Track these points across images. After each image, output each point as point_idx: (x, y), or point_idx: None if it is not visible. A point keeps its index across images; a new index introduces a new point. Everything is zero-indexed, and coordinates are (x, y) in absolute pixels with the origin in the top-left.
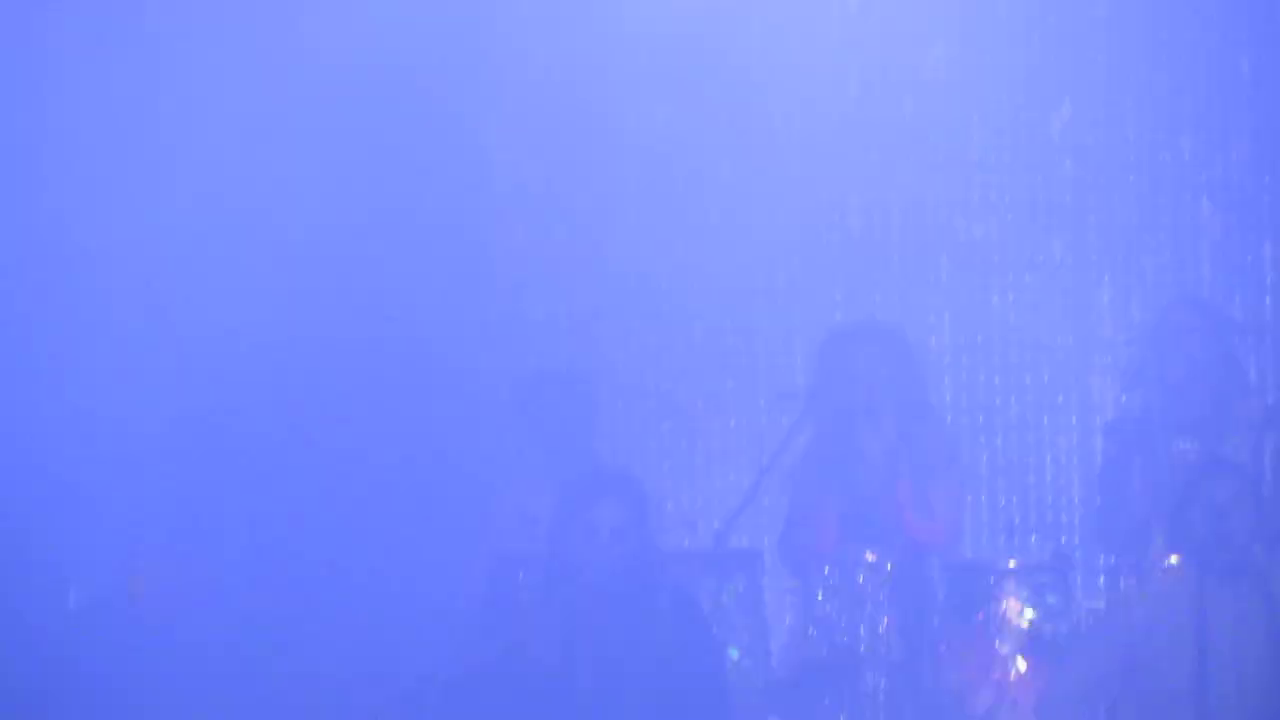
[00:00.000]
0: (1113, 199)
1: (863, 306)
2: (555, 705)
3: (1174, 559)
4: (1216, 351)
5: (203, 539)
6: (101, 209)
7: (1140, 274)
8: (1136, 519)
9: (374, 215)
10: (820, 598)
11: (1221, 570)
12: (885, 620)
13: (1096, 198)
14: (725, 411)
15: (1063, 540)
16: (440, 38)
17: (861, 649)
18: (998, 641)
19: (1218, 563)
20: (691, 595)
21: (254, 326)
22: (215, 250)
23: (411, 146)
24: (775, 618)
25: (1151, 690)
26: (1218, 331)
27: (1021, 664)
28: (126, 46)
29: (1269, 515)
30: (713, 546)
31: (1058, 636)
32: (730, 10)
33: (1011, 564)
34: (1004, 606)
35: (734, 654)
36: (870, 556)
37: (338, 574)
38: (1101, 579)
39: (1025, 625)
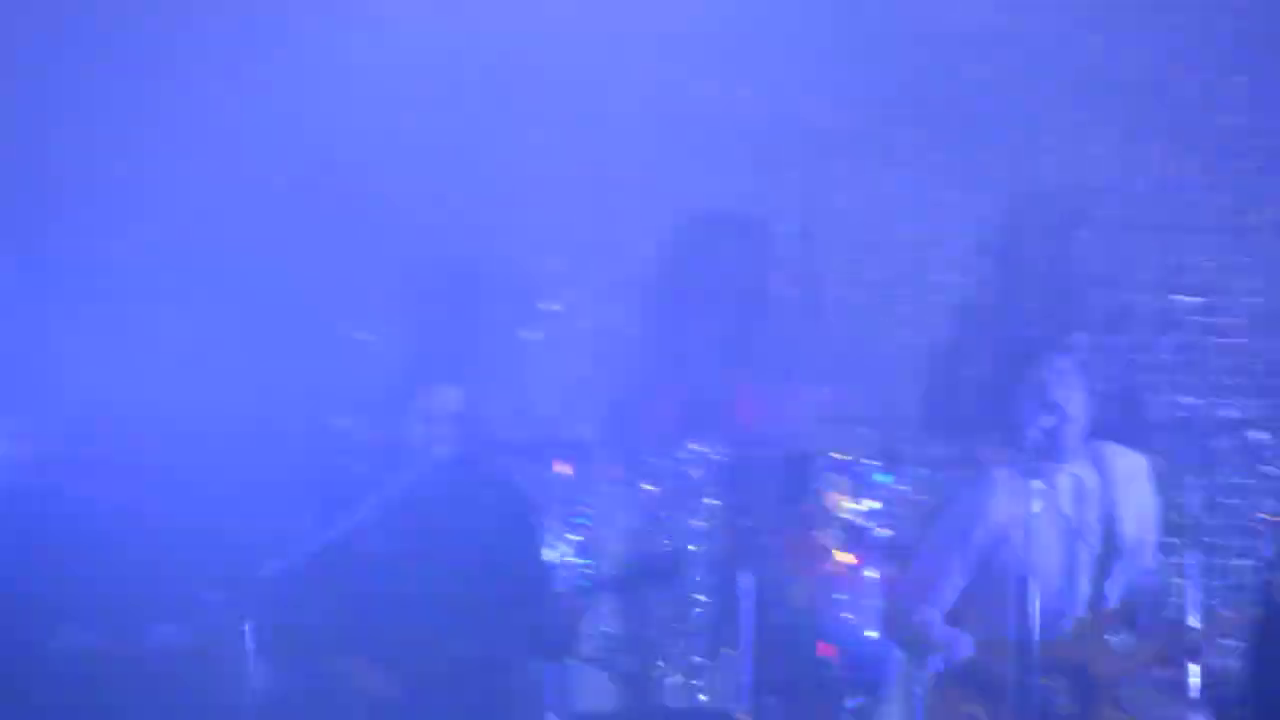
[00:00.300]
0: (961, 93)
1: (706, 195)
2: (383, 586)
3: (1000, 453)
4: (1057, 247)
5: None
6: None
7: (987, 168)
8: (967, 411)
9: None
10: (648, 488)
11: (1049, 466)
12: (712, 511)
13: (948, 91)
14: (557, 299)
15: (895, 432)
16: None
17: (687, 539)
18: (824, 532)
19: (1048, 459)
20: (519, 483)
21: None
22: None
23: None
24: (604, 507)
25: (981, 585)
26: (1053, 228)
27: (847, 555)
28: None
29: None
30: (543, 435)
31: (886, 527)
32: None
33: (843, 456)
34: (832, 498)
35: (559, 544)
36: (699, 447)
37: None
38: (930, 471)
39: (853, 517)
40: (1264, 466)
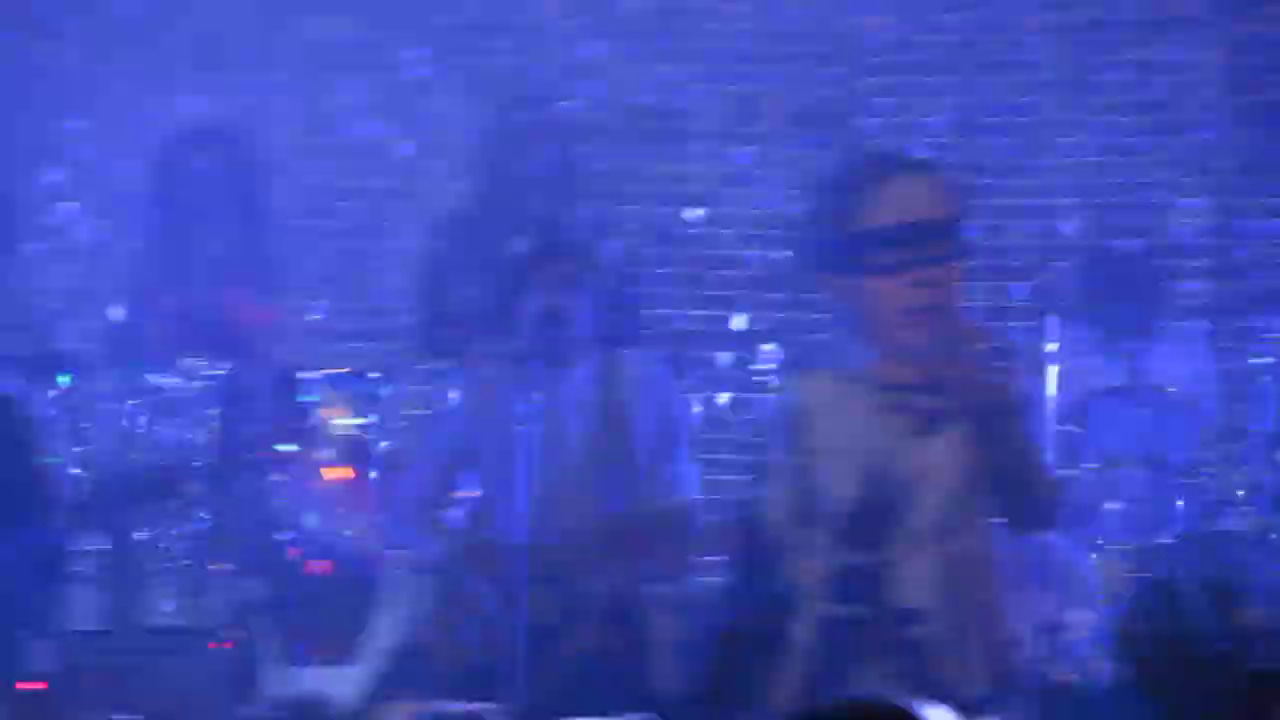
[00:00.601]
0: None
1: (196, 110)
2: None
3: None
4: (554, 157)
5: None
6: None
7: (485, 78)
8: (460, 324)
9: None
10: (146, 403)
11: (555, 371)
12: (210, 428)
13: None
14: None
15: (392, 345)
16: None
17: (183, 457)
18: (321, 449)
19: (554, 364)
20: (12, 396)
21: None
22: None
23: None
24: (102, 423)
25: (486, 485)
26: (558, 134)
27: (347, 470)
28: None
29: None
30: (34, 350)
31: (383, 443)
32: None
33: (338, 370)
34: (329, 413)
35: (54, 457)
36: (196, 362)
37: None
38: (429, 386)
39: (350, 433)
40: (763, 378)
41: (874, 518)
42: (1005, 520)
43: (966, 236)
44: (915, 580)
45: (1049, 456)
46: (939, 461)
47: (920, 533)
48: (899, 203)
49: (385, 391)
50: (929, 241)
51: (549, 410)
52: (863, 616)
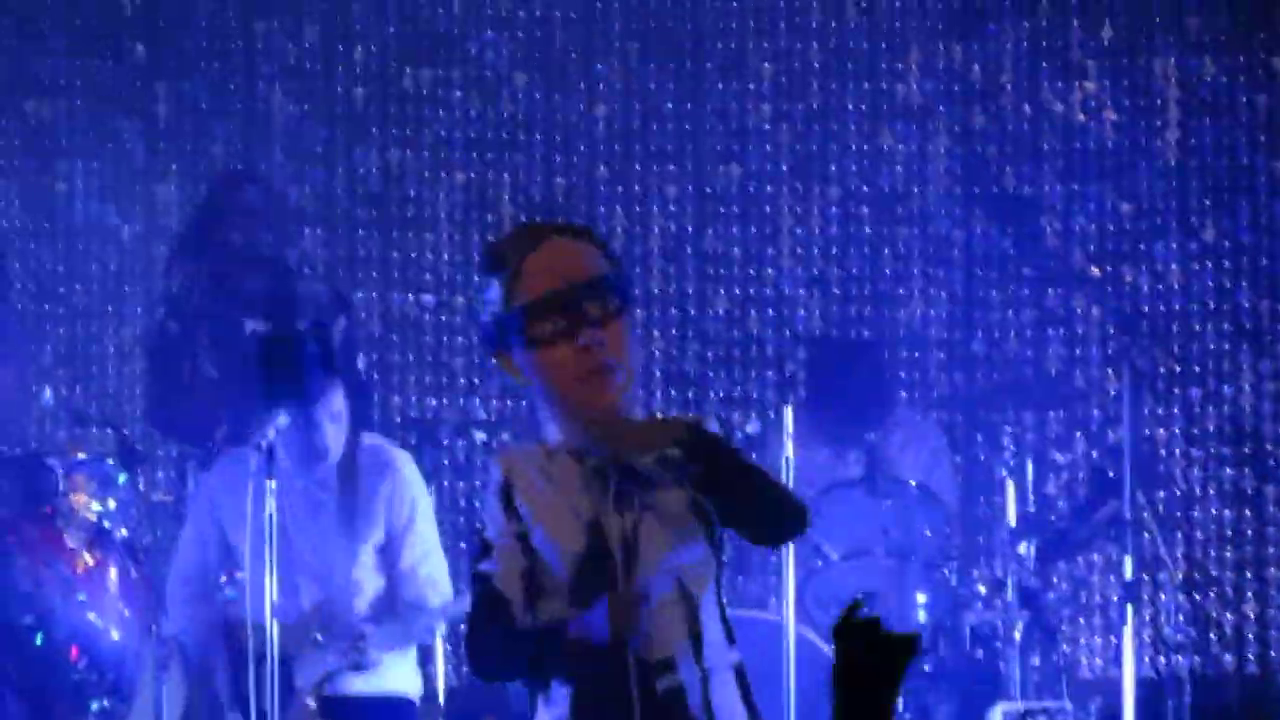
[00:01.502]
0: (184, 83)
1: None
2: None
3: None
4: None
5: None
6: None
7: (210, 159)
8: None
9: None
10: None
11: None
12: None
13: (166, 79)
14: None
15: (126, 431)
16: None
17: None
18: (70, 532)
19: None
20: None
21: None
22: None
23: None
24: None
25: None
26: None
27: (89, 558)
28: None
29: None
30: None
31: (127, 529)
32: None
33: (80, 455)
34: (74, 499)
35: None
36: None
37: None
38: (171, 471)
39: (93, 518)
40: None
41: (590, 585)
42: (751, 534)
43: (626, 290)
44: (658, 632)
45: (790, 550)
46: (650, 524)
47: (646, 581)
48: (547, 270)
49: (126, 477)
50: (584, 303)
51: (294, 494)
52: (614, 671)
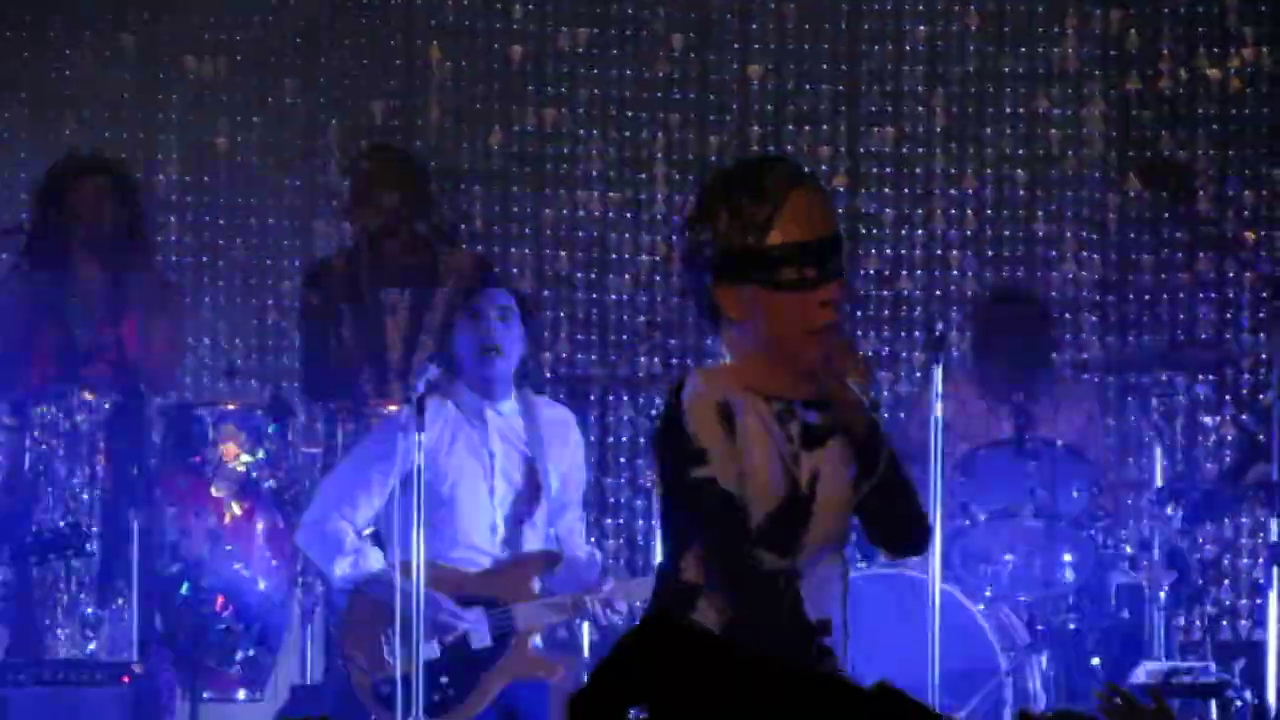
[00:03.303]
0: (344, 42)
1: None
2: None
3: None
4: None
5: None
6: None
7: (369, 116)
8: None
9: None
10: (36, 435)
11: (479, 401)
12: (100, 460)
13: (326, 38)
14: None
15: (282, 385)
16: None
17: (78, 489)
18: (218, 483)
19: (482, 395)
20: None
21: None
22: None
23: None
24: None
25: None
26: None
27: (237, 508)
28: None
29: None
30: None
31: (275, 481)
32: None
33: (230, 406)
34: (223, 449)
35: None
36: (88, 395)
37: None
38: (319, 424)
39: (242, 469)
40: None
41: (786, 524)
42: (880, 541)
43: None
44: (818, 590)
45: (937, 507)
46: (829, 473)
47: (817, 544)
48: (806, 217)
49: (273, 428)
50: (831, 258)
51: (474, 437)
52: (775, 625)
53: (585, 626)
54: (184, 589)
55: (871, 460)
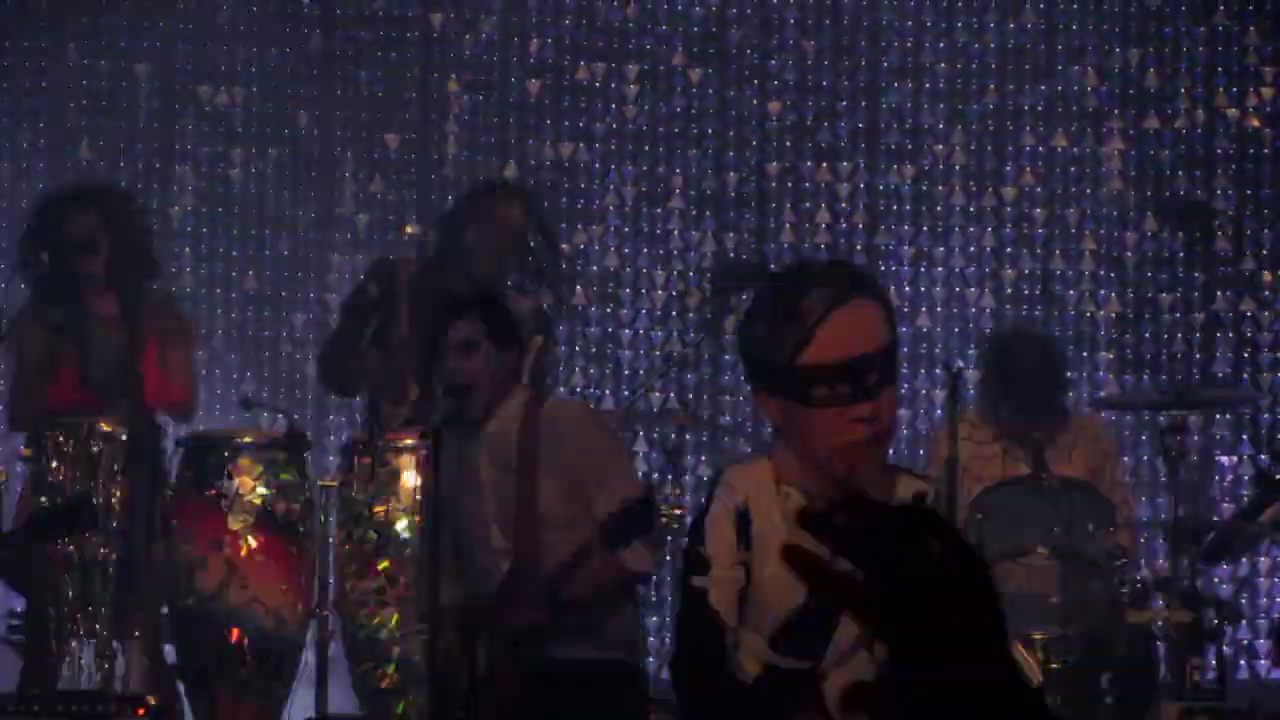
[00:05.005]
0: (361, 73)
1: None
2: None
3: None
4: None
5: None
6: None
7: (384, 149)
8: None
9: None
10: (55, 465)
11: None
12: (117, 492)
13: (342, 70)
14: None
15: (297, 417)
16: None
17: (99, 518)
18: (231, 517)
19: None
20: None
21: None
22: None
23: None
24: (7, 486)
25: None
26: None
27: (253, 540)
28: None
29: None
30: None
31: (290, 513)
32: None
33: (246, 438)
34: (237, 482)
35: None
36: (106, 426)
37: None
38: (333, 457)
39: (258, 501)
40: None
41: (804, 628)
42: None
43: (897, 354)
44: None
45: None
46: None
47: (848, 646)
48: (845, 338)
49: (289, 461)
50: (869, 374)
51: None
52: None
53: None
54: (201, 620)
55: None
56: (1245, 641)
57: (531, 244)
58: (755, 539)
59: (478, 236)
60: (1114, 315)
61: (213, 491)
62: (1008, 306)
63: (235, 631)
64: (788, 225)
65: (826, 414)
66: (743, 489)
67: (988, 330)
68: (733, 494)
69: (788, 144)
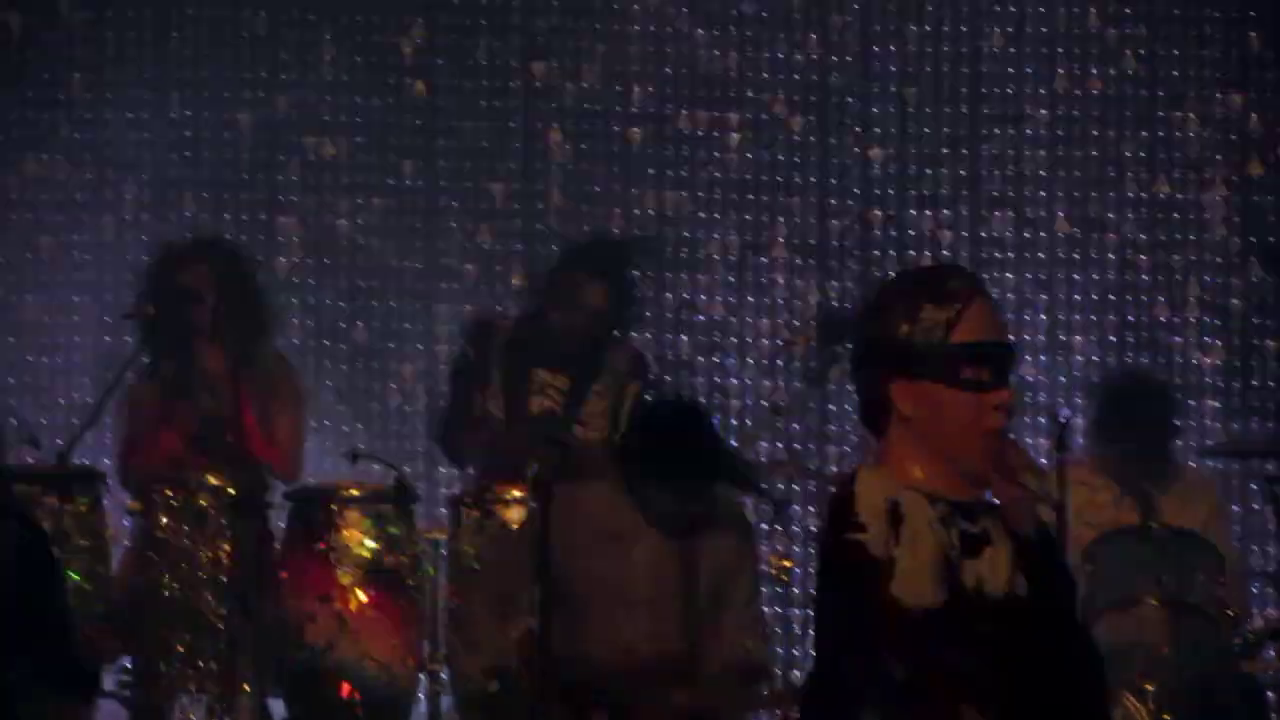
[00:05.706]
0: (464, 123)
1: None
2: None
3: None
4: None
5: None
6: None
7: (489, 199)
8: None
9: None
10: (164, 520)
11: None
12: (227, 546)
13: (445, 120)
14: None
15: (406, 470)
16: None
17: (202, 575)
18: (340, 571)
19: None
20: (30, 514)
21: None
22: None
23: None
24: (116, 540)
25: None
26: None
27: (362, 594)
28: None
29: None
30: (55, 464)
31: (399, 566)
32: None
33: (354, 492)
34: (345, 535)
35: (74, 576)
36: (214, 480)
37: None
38: (443, 510)
39: (367, 555)
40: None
41: (948, 618)
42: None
43: None
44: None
45: None
46: (995, 583)
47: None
48: (987, 323)
49: (397, 514)
50: (1008, 363)
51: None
52: None
53: None
54: (309, 676)
55: (1038, 567)
56: None
57: (614, 320)
58: (903, 535)
59: (560, 321)
60: (1220, 363)
61: (321, 545)
62: (1112, 355)
63: (345, 686)
64: (891, 273)
65: (969, 398)
66: (888, 484)
67: (1093, 379)
68: (881, 485)
69: (890, 191)
